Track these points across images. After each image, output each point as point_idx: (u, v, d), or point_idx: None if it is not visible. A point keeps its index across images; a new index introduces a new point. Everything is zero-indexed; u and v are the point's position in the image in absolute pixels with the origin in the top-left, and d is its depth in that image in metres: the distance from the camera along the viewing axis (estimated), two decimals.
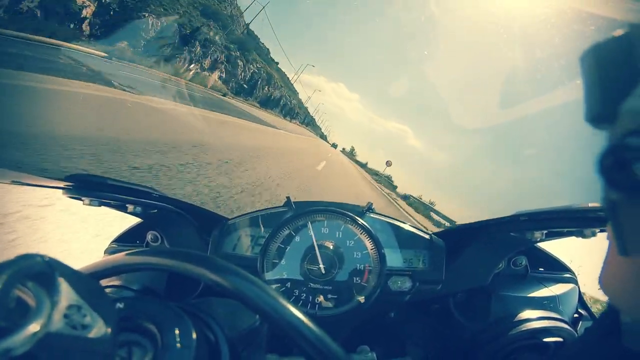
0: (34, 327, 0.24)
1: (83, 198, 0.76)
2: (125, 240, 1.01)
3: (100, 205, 0.78)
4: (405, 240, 0.91)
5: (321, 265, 0.83)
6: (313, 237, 0.86)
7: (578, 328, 0.85)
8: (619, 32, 0.24)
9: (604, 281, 0.31)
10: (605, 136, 0.25)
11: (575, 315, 0.88)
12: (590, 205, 0.64)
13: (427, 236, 0.90)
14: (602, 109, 0.25)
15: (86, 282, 0.31)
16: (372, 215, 0.92)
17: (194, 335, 0.35)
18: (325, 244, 0.85)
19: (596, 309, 0.92)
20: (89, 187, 0.76)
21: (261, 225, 0.93)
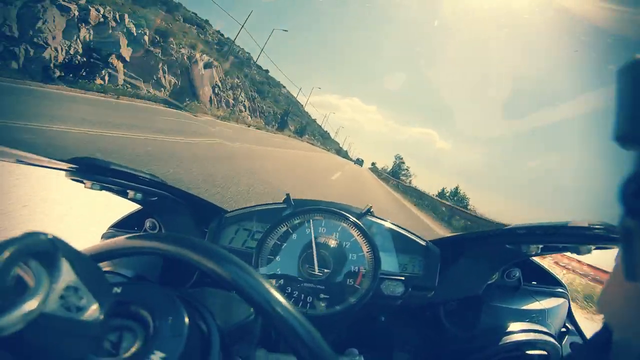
0: (28, 307, 0.23)
1: (85, 181, 0.77)
2: (123, 226, 1.01)
3: (101, 190, 0.79)
4: (401, 245, 0.91)
5: (316, 265, 0.83)
6: (310, 235, 0.87)
7: (563, 342, 0.86)
8: None
9: (604, 301, 0.31)
10: (631, 159, 0.23)
11: (563, 329, 0.89)
12: (588, 222, 0.64)
13: (423, 243, 0.91)
14: (631, 129, 0.23)
15: (87, 264, 0.31)
16: (370, 218, 0.93)
17: (187, 325, 0.36)
18: (321, 244, 0.86)
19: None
20: (91, 171, 0.76)
21: (259, 221, 0.93)
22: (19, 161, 0.77)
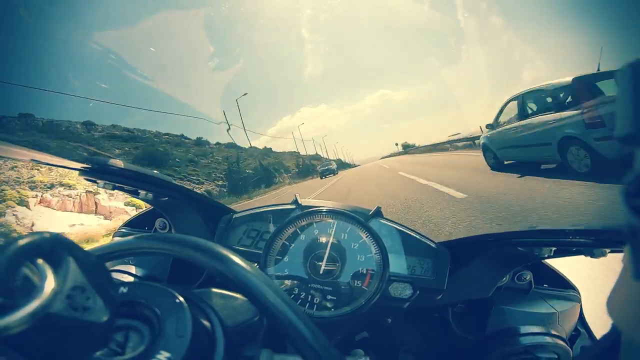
0: (34, 307, 0.24)
1: (98, 181, 0.78)
2: (134, 225, 1.03)
3: (113, 189, 0.81)
4: (410, 247, 0.90)
5: (323, 266, 0.83)
6: (318, 237, 0.87)
7: (574, 346, 0.84)
8: None
9: (613, 303, 0.30)
10: (634, 159, 0.23)
11: (574, 332, 0.87)
12: (602, 226, 0.62)
13: (433, 245, 0.90)
14: (633, 130, 0.23)
15: (94, 264, 0.32)
16: (379, 220, 0.92)
17: (191, 325, 0.36)
18: (329, 245, 0.85)
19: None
20: (104, 171, 0.78)
21: (267, 222, 0.93)
22: (34, 160, 0.79)
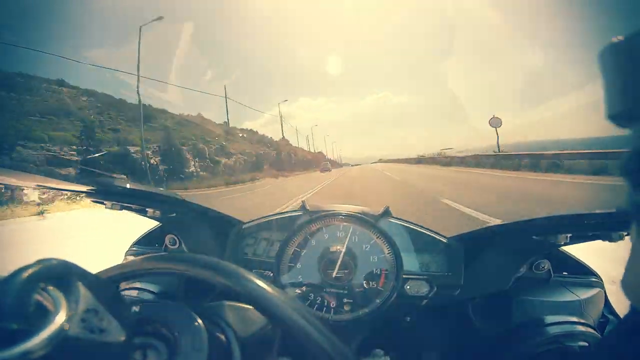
0: (52, 331, 0.24)
1: (105, 202, 0.79)
2: (144, 243, 1.04)
3: (122, 210, 0.81)
4: (422, 244, 0.89)
5: (337, 270, 0.82)
6: (329, 241, 0.86)
7: (605, 333, 0.82)
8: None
9: (627, 283, 0.30)
10: (630, 136, 0.23)
11: (602, 319, 0.85)
12: (615, 209, 0.61)
13: (444, 240, 0.89)
14: (623, 108, 0.23)
15: (103, 286, 0.32)
16: (388, 219, 0.91)
17: (207, 339, 0.36)
18: (341, 248, 0.85)
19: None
20: (111, 192, 0.79)
21: (277, 230, 0.93)
22: (40, 186, 0.80)
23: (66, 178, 0.77)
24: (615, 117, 0.24)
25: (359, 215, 0.87)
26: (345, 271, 0.83)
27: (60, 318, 0.25)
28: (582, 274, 0.90)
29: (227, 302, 0.46)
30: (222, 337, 0.40)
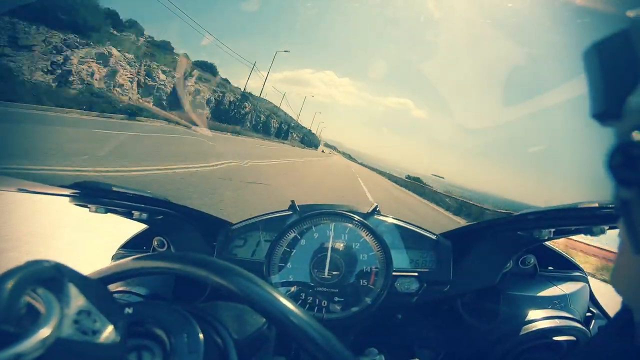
0: (44, 333, 0.24)
1: (89, 205, 0.77)
2: (131, 246, 1.01)
3: (106, 212, 0.79)
4: (411, 241, 0.90)
5: (327, 269, 0.82)
6: (319, 240, 0.86)
7: (591, 327, 0.84)
8: (621, 27, 0.24)
9: (616, 279, 0.31)
10: (613, 133, 0.24)
11: (588, 314, 0.88)
12: (598, 203, 0.63)
13: (433, 237, 0.90)
14: (607, 105, 0.24)
15: (95, 287, 0.31)
16: (377, 217, 0.92)
17: (202, 340, 0.35)
18: (331, 247, 0.85)
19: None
20: (95, 195, 0.77)
21: (266, 230, 0.92)
22: (21, 190, 0.77)
23: (47, 181, 0.74)
24: (600, 115, 0.25)
25: (348, 213, 0.87)
26: (336, 270, 0.83)
27: (52, 320, 0.25)
28: (567, 268, 0.93)
29: (221, 302, 0.46)
30: (218, 338, 0.40)
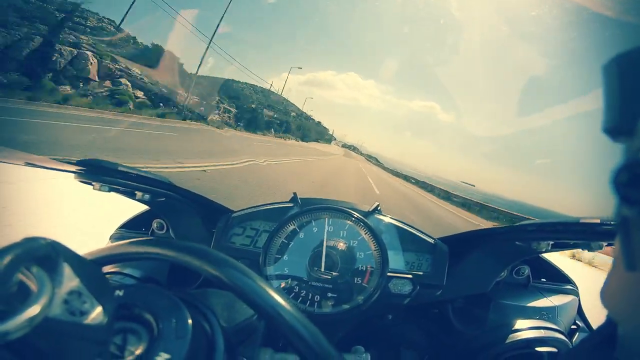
0: (32, 312, 0.24)
1: (93, 183, 0.77)
2: (131, 227, 1.03)
3: (109, 191, 0.80)
4: (409, 243, 0.90)
5: (323, 264, 0.83)
6: (317, 234, 0.86)
7: (574, 340, 0.85)
8: None
9: (606, 294, 0.31)
10: (622, 150, 0.24)
11: (573, 326, 0.88)
12: (598, 219, 0.63)
13: (431, 241, 0.90)
14: (620, 121, 0.24)
15: (89, 268, 0.32)
16: (378, 216, 0.92)
17: (190, 326, 0.36)
18: (328, 243, 0.85)
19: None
20: (99, 172, 0.77)
21: (266, 220, 0.93)
22: (28, 164, 0.78)
23: (55, 157, 0.75)
24: (611, 131, 0.25)
25: (349, 210, 0.88)
26: (331, 266, 0.83)
27: (42, 299, 0.25)
28: (559, 281, 0.93)
29: (213, 290, 0.47)
30: (206, 325, 0.40)
